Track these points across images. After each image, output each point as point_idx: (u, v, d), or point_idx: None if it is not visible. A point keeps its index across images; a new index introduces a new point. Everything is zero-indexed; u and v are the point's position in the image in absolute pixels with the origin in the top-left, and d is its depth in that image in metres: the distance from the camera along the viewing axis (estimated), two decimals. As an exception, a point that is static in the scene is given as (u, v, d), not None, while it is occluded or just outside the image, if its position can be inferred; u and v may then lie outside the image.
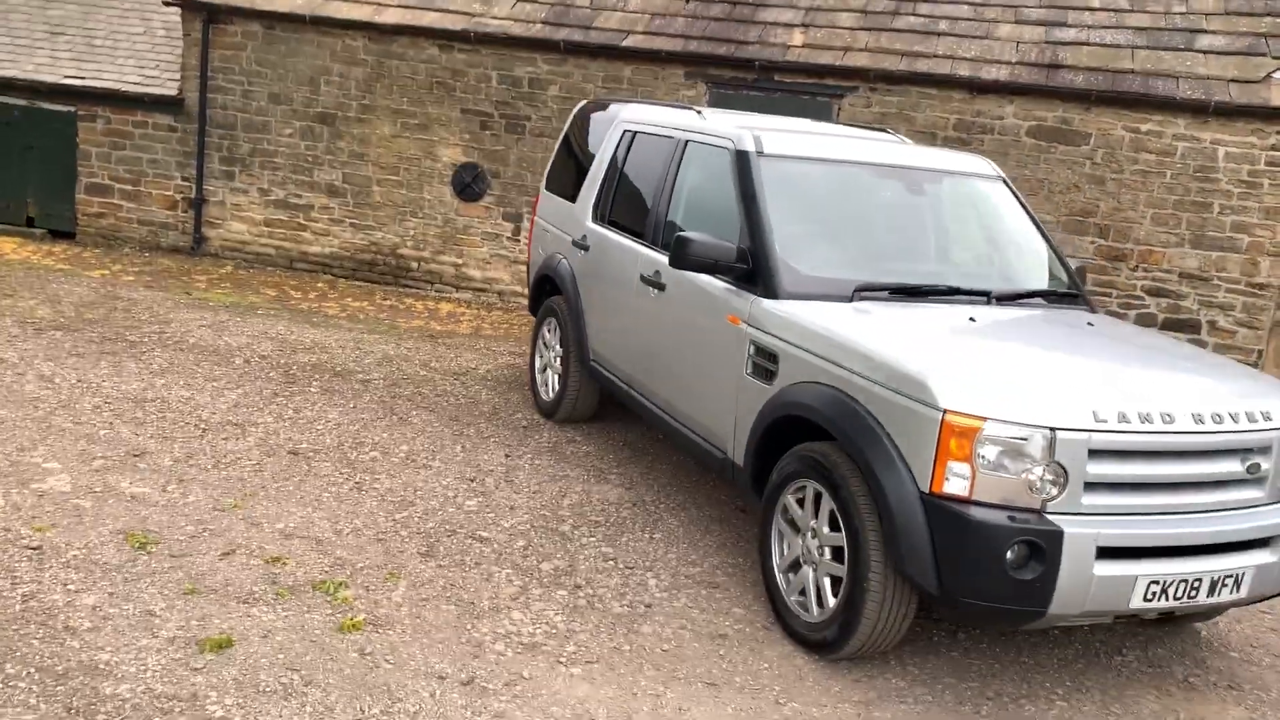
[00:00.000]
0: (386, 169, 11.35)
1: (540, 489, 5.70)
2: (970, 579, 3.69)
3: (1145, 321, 9.61)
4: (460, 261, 11.34)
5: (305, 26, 11.17)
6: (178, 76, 11.76)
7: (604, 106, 6.93)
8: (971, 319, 4.56)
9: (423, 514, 5.22)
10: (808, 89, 10.37)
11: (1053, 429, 3.67)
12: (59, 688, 3.45)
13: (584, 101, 7.56)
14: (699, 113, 5.85)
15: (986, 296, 4.87)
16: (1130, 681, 4.31)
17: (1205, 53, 9.58)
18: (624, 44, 10.55)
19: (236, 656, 3.75)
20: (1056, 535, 3.63)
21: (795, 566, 4.35)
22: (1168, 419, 3.82)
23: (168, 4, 11.44)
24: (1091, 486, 3.75)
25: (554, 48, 10.72)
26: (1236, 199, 9.41)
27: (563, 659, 4.00)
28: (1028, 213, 5.57)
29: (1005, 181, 5.65)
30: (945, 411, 3.70)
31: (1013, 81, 9.78)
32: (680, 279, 5.24)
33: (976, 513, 3.67)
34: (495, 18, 10.91)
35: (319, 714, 3.47)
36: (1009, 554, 3.64)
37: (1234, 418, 3.94)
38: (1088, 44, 9.88)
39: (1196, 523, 3.86)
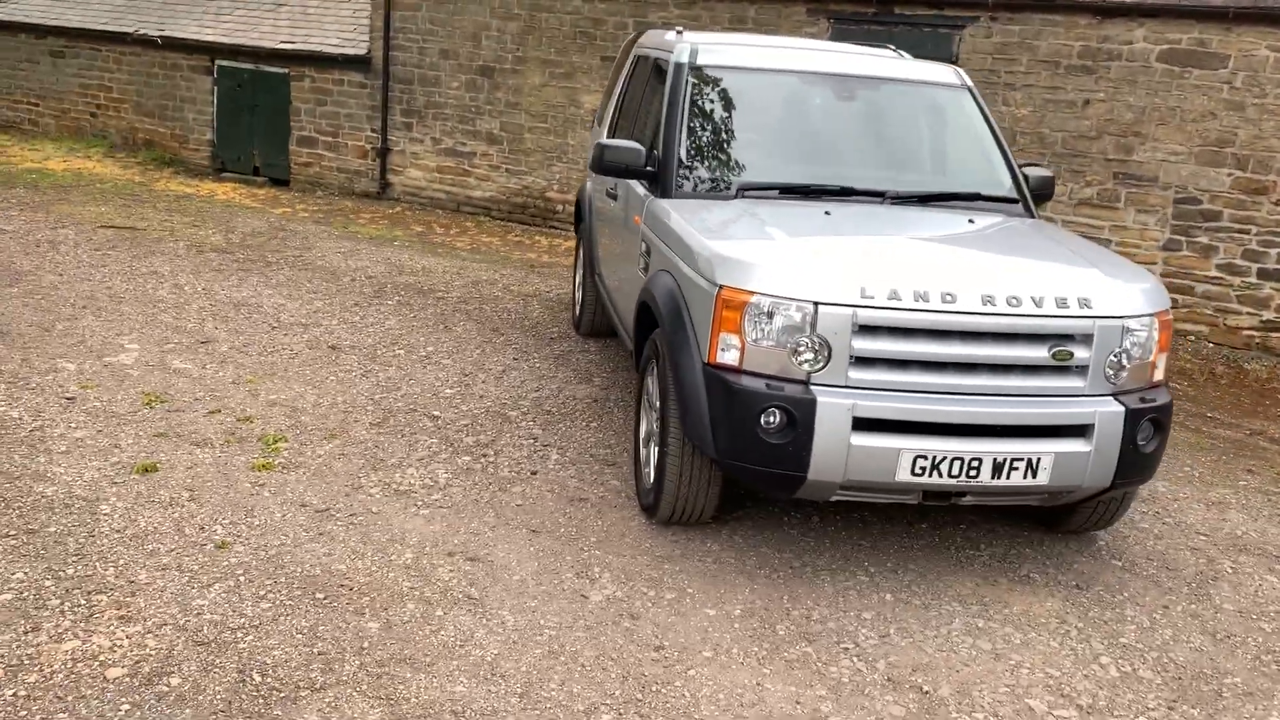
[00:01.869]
0: (536, 116, 12.20)
1: (521, 384, 6.30)
2: (734, 443, 3.94)
3: None
4: (597, 202, 12.02)
5: (467, -13, 12.17)
6: (367, 37, 13.14)
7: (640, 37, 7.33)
8: (827, 213, 4.70)
9: (400, 396, 5.96)
10: (928, 21, 10.20)
11: (816, 303, 3.85)
12: (5, 484, 4.45)
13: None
14: (679, 32, 6.17)
15: (881, 197, 4.95)
16: (958, 569, 4.35)
17: (1364, -42, 8.58)
18: (749, -14, 10.77)
19: (155, 479, 4.64)
20: (809, 403, 3.82)
21: (649, 440, 4.72)
22: (949, 299, 3.87)
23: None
24: (864, 361, 3.88)
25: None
26: (1392, 121, 8.41)
27: (420, 503, 4.60)
28: (987, 122, 5.50)
29: (971, 91, 5.60)
30: (721, 287, 3.97)
31: (1143, 2, 9.19)
32: (626, 188, 5.64)
33: (738, 380, 3.92)
34: (632, -33, 11.43)
35: (183, 519, 4.28)
36: (763, 419, 3.87)
37: (1037, 302, 3.92)
38: (1228, -43, 9.10)
39: (978, 404, 3.89)
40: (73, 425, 5.17)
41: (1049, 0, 9.55)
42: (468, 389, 6.16)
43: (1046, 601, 4.16)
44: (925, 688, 3.50)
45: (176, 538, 4.11)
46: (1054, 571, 4.41)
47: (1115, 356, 4.02)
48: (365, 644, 3.48)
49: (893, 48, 6.31)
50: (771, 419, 3.86)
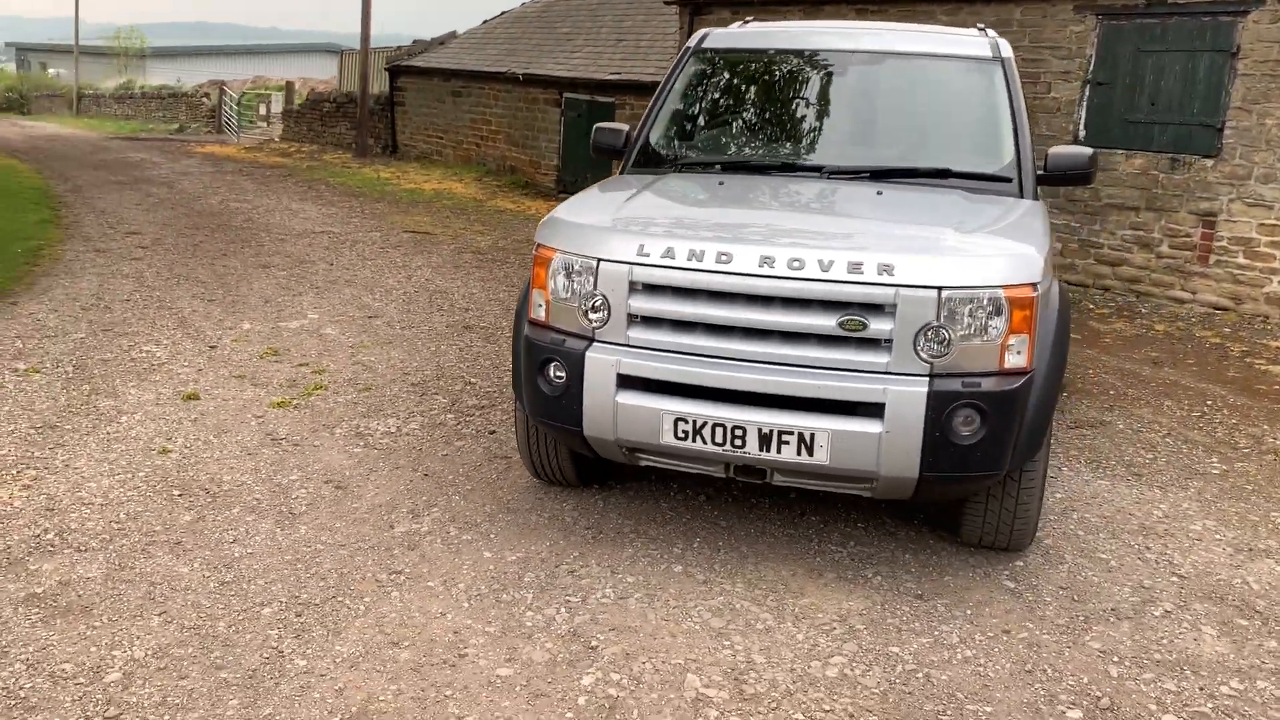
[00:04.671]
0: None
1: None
2: (531, 397, 4.06)
3: None
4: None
5: (756, 9, 12.56)
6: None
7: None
8: (720, 183, 4.59)
9: (446, 364, 6.56)
10: (1205, 9, 8.94)
11: (599, 260, 3.88)
12: (81, 400, 5.67)
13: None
14: (744, 23, 6.19)
15: (819, 171, 4.72)
16: (797, 560, 4.04)
17: None
18: (1014, -15, 10.12)
19: (191, 404, 5.63)
20: (577, 358, 3.85)
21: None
22: (724, 259, 3.71)
23: (668, 3, 13.70)
24: (647, 321, 3.83)
25: (946, -1, 10.67)
26: None
27: (362, 444, 5.14)
28: (1009, 96, 4.96)
29: (1004, 64, 5.08)
30: (537, 246, 4.12)
31: None
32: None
33: (535, 334, 4.04)
34: (905, -23, 11.18)
35: (168, 428, 5.18)
36: (544, 372, 3.95)
37: (824, 267, 3.62)
38: None
39: (751, 370, 3.67)
40: (186, 364, 6.35)
41: (1350, -28, 7.99)
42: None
43: (848, 601, 3.75)
44: (595, 644, 3.39)
45: (143, 437, 5.01)
46: (906, 579, 3.94)
47: (932, 332, 3.57)
48: (169, 527, 4.08)
49: (980, 26, 5.82)
50: (550, 373, 3.93)
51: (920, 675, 3.32)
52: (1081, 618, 3.73)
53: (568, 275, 3.94)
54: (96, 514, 4.18)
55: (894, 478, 3.61)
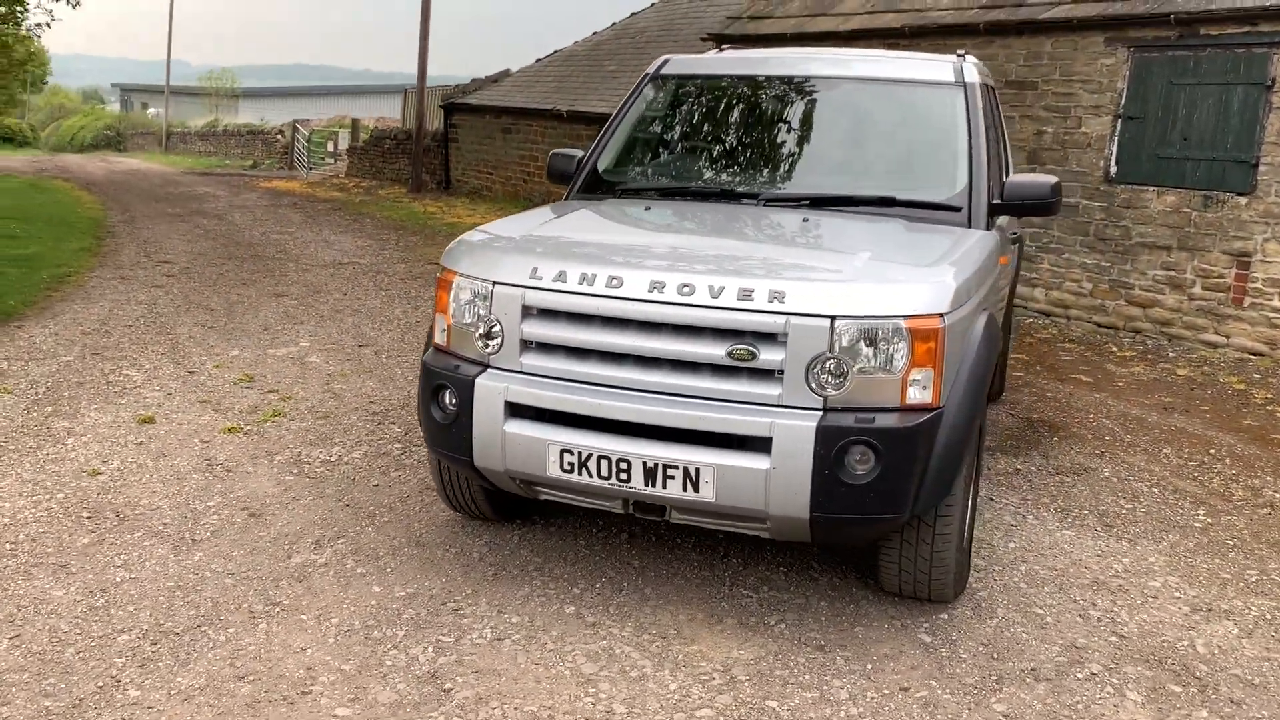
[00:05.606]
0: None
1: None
2: (426, 426, 3.92)
3: None
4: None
5: (789, 40, 12.43)
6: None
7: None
8: (647, 208, 4.46)
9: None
10: (1239, 40, 8.56)
11: (494, 283, 3.74)
12: (49, 405, 5.69)
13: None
14: (719, 49, 6.06)
15: (755, 198, 4.54)
16: (697, 604, 3.81)
17: None
18: (1044, 17, 9.84)
19: (145, 428, 5.62)
20: (467, 384, 3.70)
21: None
22: (614, 283, 3.54)
23: (704, 40, 13.63)
24: (540, 347, 3.68)
25: (974, 31, 10.43)
26: None
27: (294, 472, 5.04)
28: (968, 123, 4.73)
29: (965, 89, 4.85)
30: (442, 269, 4.01)
31: None
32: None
33: (426, 358, 3.91)
34: (937, 9, 10.96)
35: (108, 450, 5.16)
36: (434, 399, 3.82)
37: (714, 293, 3.43)
38: None
39: (639, 401, 3.48)
40: (157, 388, 6.36)
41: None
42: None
43: (739, 650, 3.51)
44: (450, 687, 3.21)
45: (80, 459, 4.99)
46: (812, 629, 3.68)
47: (826, 363, 3.35)
48: (62, 550, 4.02)
49: (960, 53, 5.60)
50: (444, 400, 3.79)
51: (788, 735, 3.07)
52: (994, 677, 3.44)
53: (462, 299, 3.81)
54: (-5, 534, 4.14)
55: (784, 517, 3.39)
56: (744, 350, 3.38)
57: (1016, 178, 4.57)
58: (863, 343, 3.33)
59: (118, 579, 3.82)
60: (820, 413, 3.34)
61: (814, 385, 3.35)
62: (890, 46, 11.14)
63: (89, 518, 4.36)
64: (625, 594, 3.87)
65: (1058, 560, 4.38)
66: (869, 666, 3.45)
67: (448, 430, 3.77)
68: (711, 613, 3.76)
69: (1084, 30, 9.57)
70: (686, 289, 3.45)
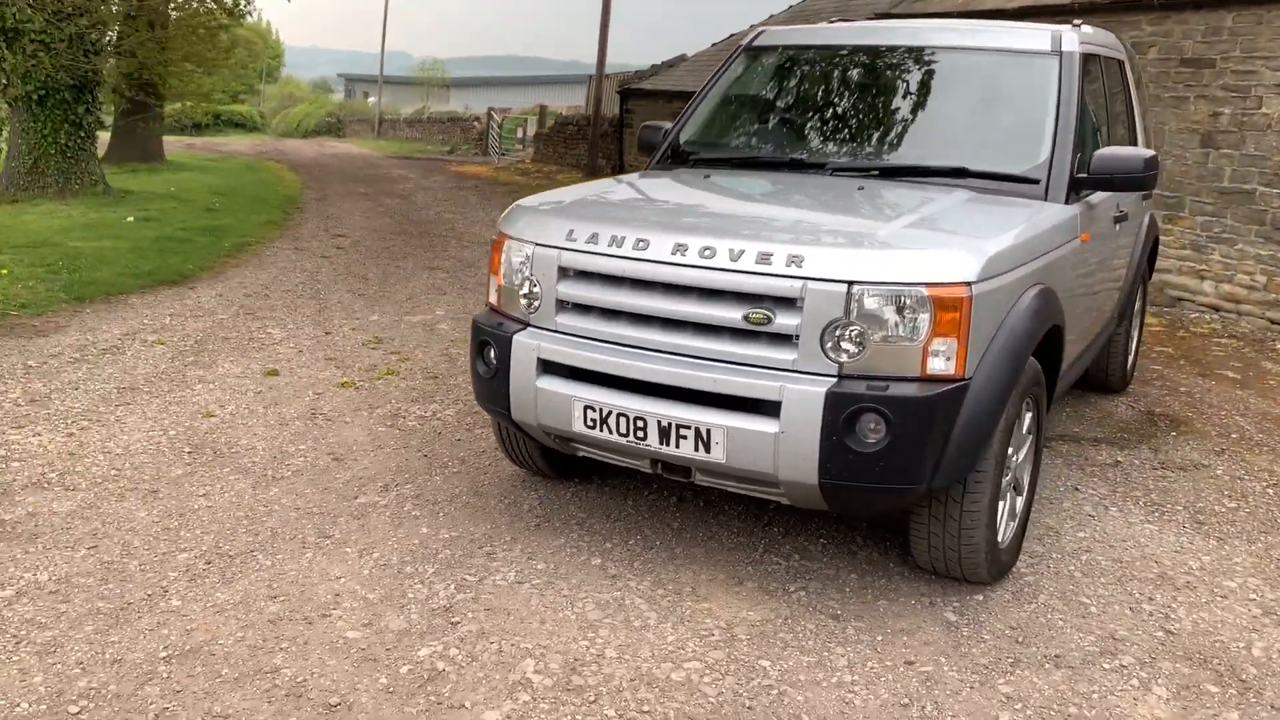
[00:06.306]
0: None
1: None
2: (473, 380, 4.12)
3: None
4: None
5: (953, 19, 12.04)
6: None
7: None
8: (706, 176, 4.49)
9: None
10: None
11: (536, 245, 3.89)
12: (191, 356, 6.25)
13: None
14: (830, 21, 6.01)
15: (823, 168, 4.51)
16: (733, 567, 3.85)
17: None
18: (1224, -10, 9.19)
19: (271, 379, 6.08)
20: (506, 341, 3.87)
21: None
22: (642, 245, 3.62)
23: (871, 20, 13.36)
24: (575, 308, 3.81)
25: (1148, 6, 9.84)
26: None
27: (391, 426, 5.35)
28: (1059, 93, 4.54)
29: (1061, 58, 4.66)
30: (498, 233, 4.19)
31: None
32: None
33: (477, 316, 4.10)
34: (1109, -15, 10.40)
35: (225, 396, 5.62)
36: (480, 355, 4.00)
37: (733, 256, 3.46)
38: None
39: (659, 361, 3.55)
40: (292, 345, 6.85)
41: None
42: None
43: (749, 612, 3.53)
44: (457, 620, 3.38)
45: (200, 403, 5.45)
46: (832, 599, 3.65)
47: (841, 330, 3.32)
48: (157, 478, 4.43)
49: (1076, 23, 5.35)
50: (487, 356, 3.97)
51: (775, 692, 3.08)
52: (1010, 660, 3.33)
53: (514, 261, 3.96)
54: (106, 461, 4.61)
55: (794, 482, 3.38)
56: (760, 314, 3.39)
57: (1108, 150, 4.34)
58: (882, 310, 3.28)
59: (195, 506, 4.19)
60: (834, 379, 3.31)
61: (829, 351, 3.33)
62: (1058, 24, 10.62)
63: (190, 452, 4.78)
64: (654, 551, 3.95)
65: (1126, 552, 4.16)
66: (879, 639, 3.41)
67: (490, 384, 3.94)
68: (734, 575, 3.78)
69: (1269, 2, 8.85)
70: (708, 251, 3.48)
